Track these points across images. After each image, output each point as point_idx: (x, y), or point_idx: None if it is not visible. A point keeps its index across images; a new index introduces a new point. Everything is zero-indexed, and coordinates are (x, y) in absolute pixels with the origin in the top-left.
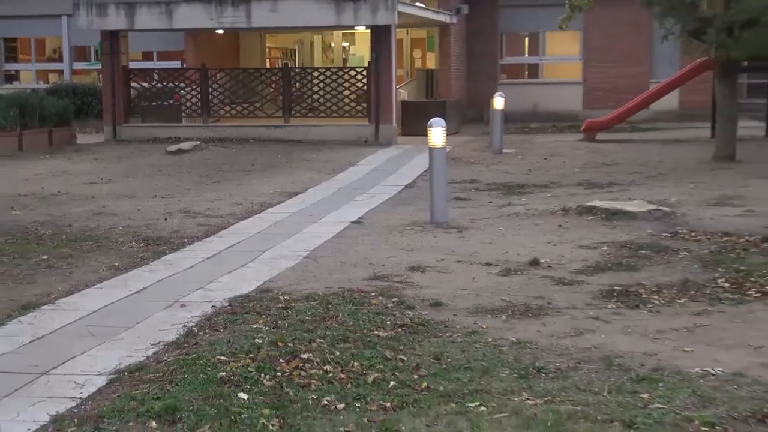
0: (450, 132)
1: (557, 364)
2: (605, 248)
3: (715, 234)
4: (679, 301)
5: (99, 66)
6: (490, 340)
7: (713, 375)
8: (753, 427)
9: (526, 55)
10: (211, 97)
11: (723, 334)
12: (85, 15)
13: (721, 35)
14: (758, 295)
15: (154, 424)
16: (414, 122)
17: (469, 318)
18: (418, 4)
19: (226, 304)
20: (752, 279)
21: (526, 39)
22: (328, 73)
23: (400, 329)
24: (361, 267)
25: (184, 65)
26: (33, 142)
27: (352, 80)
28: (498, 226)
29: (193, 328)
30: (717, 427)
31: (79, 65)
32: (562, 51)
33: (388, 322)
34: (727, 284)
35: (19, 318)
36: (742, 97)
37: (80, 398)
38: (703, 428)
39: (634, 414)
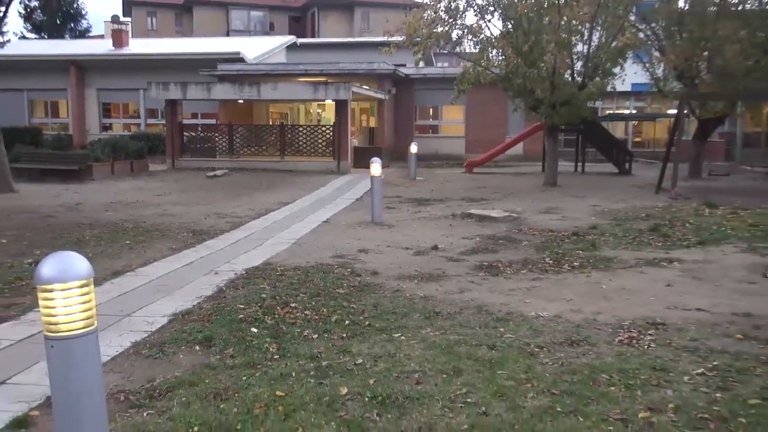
0: (383, 166)
1: (448, 310)
2: (478, 239)
3: (544, 230)
4: (522, 271)
5: (163, 121)
6: (407, 295)
7: (542, 317)
8: (565, 348)
9: (431, 120)
10: (234, 141)
11: (548, 292)
12: (155, 89)
13: (548, 110)
14: (569, 268)
15: (197, 347)
16: (361, 160)
17: (395, 281)
18: (364, 87)
19: (243, 272)
20: (566, 258)
21: (431, 109)
22: (308, 129)
23: (352, 288)
24: (328, 249)
25: (217, 122)
26: (120, 169)
27: (324, 133)
28: (413, 224)
29: (222, 287)
30: (544, 348)
31: (150, 121)
32: (453, 117)
33: (345, 284)
34: (551, 261)
35: (111, 280)
36: (560, 147)
37: (150, 331)
38: (536, 349)
39: (494, 341)
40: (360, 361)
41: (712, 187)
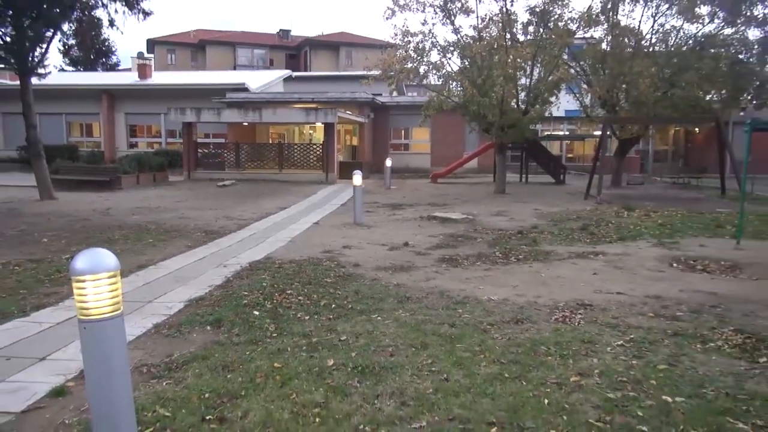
0: (364, 177)
1: (417, 295)
2: (441, 237)
3: (495, 230)
4: (477, 263)
5: (181, 140)
6: (383, 283)
7: (493, 300)
8: (511, 325)
9: (403, 139)
10: (240, 157)
11: (498, 280)
12: (174, 114)
13: (498, 131)
14: (515, 260)
15: (209, 327)
16: (346, 172)
17: (373, 272)
18: (348, 112)
19: (247, 265)
20: (512, 252)
21: (403, 131)
22: (302, 146)
23: (337, 278)
24: (318, 246)
25: (226, 140)
26: (144, 180)
27: (315, 150)
28: (388, 225)
29: (230, 278)
30: (494, 326)
31: (170, 140)
32: (420, 137)
33: (332, 274)
34: (500, 255)
35: (136, 273)
36: (508, 161)
37: (169, 314)
38: (488, 326)
39: (454, 320)
40: (344, 337)
41: (630, 194)
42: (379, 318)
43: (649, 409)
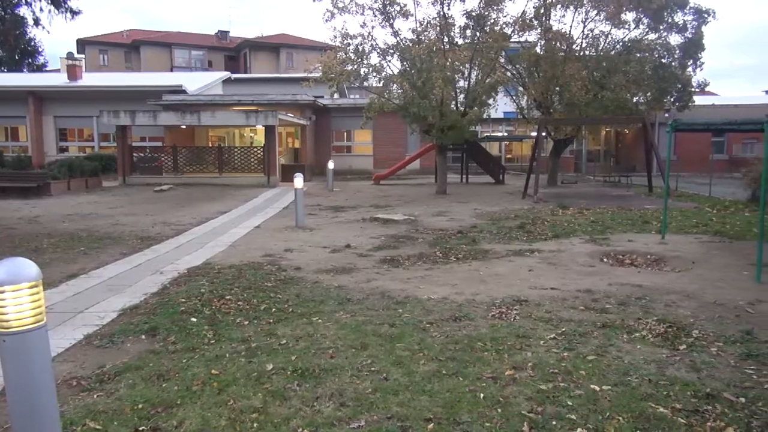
0: (306, 180)
1: (358, 297)
2: (383, 238)
3: (436, 230)
4: (418, 263)
5: (115, 144)
6: (324, 285)
7: (432, 299)
8: (450, 323)
9: (345, 141)
10: (178, 161)
11: (438, 279)
12: (107, 116)
13: (438, 133)
14: (455, 259)
15: (143, 336)
16: (288, 175)
17: (314, 275)
18: (289, 115)
19: (185, 271)
20: (452, 251)
21: (345, 133)
22: (242, 149)
23: (278, 282)
24: (259, 250)
25: (163, 144)
26: (76, 186)
27: (256, 153)
28: (330, 227)
29: (167, 284)
30: (433, 324)
31: (103, 143)
32: (363, 139)
33: (272, 278)
34: (440, 254)
35: (66, 282)
36: (449, 162)
37: (101, 324)
38: (427, 325)
39: (394, 320)
40: (284, 341)
41: (565, 192)
42: (319, 320)
43: (578, 398)
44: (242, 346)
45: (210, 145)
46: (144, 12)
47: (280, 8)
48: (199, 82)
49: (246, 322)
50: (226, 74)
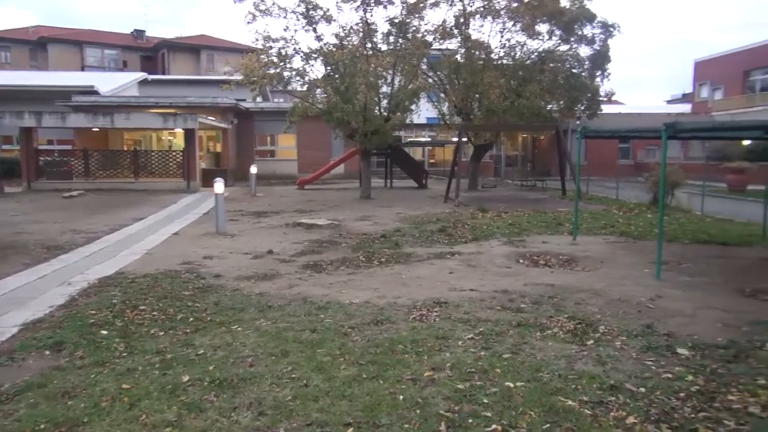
0: (228, 185)
1: (279, 303)
2: (306, 243)
3: (359, 234)
4: (341, 268)
5: (19, 147)
6: (245, 293)
7: (355, 303)
8: (371, 327)
9: (269, 145)
10: (90, 165)
11: (361, 284)
12: (9, 118)
13: (362, 137)
14: (378, 263)
15: (47, 352)
16: (209, 180)
17: (235, 282)
18: (210, 118)
19: (96, 281)
20: (375, 255)
21: (269, 137)
22: (160, 153)
23: (196, 290)
24: (177, 257)
25: (74, 147)
26: None
27: (175, 157)
28: (252, 233)
29: (75, 296)
30: (355, 329)
31: (6, 146)
32: (287, 143)
33: (190, 286)
34: (363, 259)
35: None
36: (373, 167)
37: (0, 341)
38: (349, 329)
39: (316, 325)
40: (201, 351)
41: (484, 196)
42: (239, 329)
43: (493, 396)
44: (156, 358)
45: (125, 149)
46: (48, 9)
47: (200, 8)
48: (112, 82)
49: (161, 333)
50: (142, 75)
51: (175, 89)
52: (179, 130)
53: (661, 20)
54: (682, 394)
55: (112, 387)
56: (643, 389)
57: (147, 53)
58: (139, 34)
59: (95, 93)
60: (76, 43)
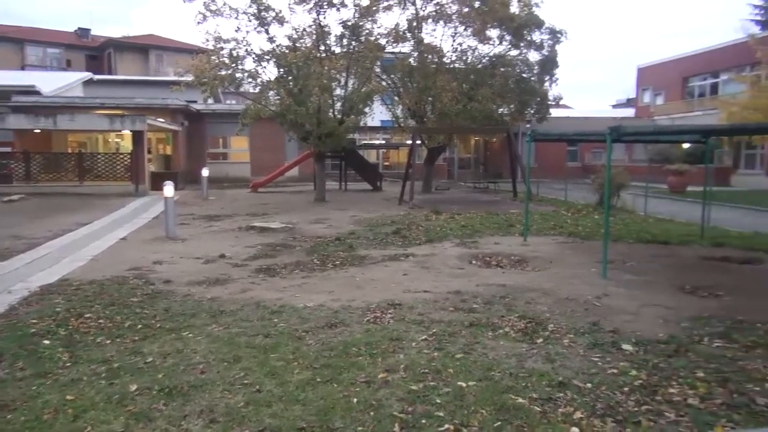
0: (179, 188)
1: (232, 308)
2: (260, 247)
3: (314, 237)
4: (295, 271)
5: None
6: (196, 298)
7: (309, 307)
8: (326, 330)
9: (221, 148)
10: (32, 168)
11: (315, 287)
12: None
13: (316, 140)
14: (332, 266)
15: None
16: (159, 183)
17: (186, 287)
18: (159, 120)
19: (38, 289)
20: (330, 258)
21: (221, 139)
22: (107, 156)
23: (145, 296)
24: (125, 263)
25: (13, 150)
26: None
27: (122, 160)
28: (204, 237)
29: (15, 305)
30: (309, 332)
31: None
32: (239, 146)
33: (139, 293)
34: (318, 262)
35: None
36: (328, 169)
37: None
38: (303, 333)
39: (269, 330)
40: (150, 359)
41: (438, 198)
42: (190, 335)
43: (446, 396)
44: (103, 367)
45: (70, 152)
46: None
47: (148, 7)
48: (55, 82)
49: (108, 342)
50: (87, 75)
51: (122, 90)
52: (127, 132)
53: (607, 28)
54: (626, 389)
55: (56, 399)
56: (589, 385)
57: (92, 52)
58: (83, 32)
59: (37, 93)
60: (16, 41)
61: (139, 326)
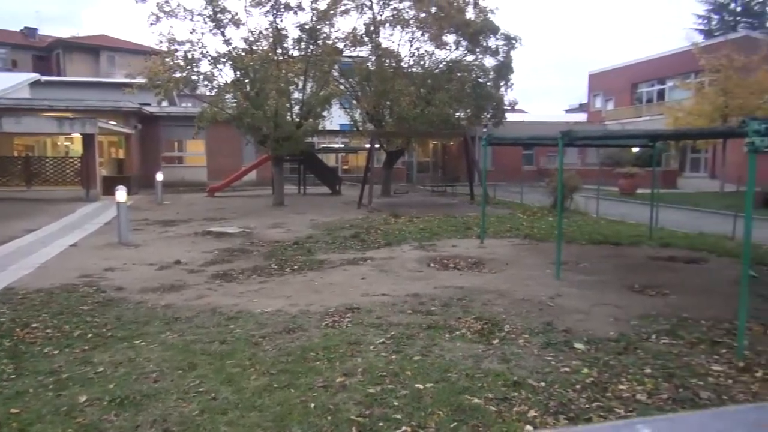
0: (132, 193)
1: (187, 315)
2: (216, 252)
3: (272, 241)
4: (252, 276)
5: None
6: (149, 305)
7: (266, 312)
8: (283, 335)
9: (176, 152)
10: None
11: (272, 292)
12: None
13: (274, 144)
14: (291, 271)
15: None
16: (111, 188)
17: (139, 295)
18: (111, 122)
19: None
20: (288, 263)
21: (176, 142)
22: (56, 160)
23: (96, 304)
24: (75, 270)
25: None
26: None
27: (72, 164)
28: (158, 243)
29: None
30: (266, 338)
31: None
32: (195, 149)
33: (89, 301)
34: (276, 266)
35: None
36: (286, 173)
37: None
38: (260, 339)
39: (225, 336)
40: (101, 369)
41: (397, 202)
42: (143, 343)
43: (403, 398)
44: (50, 378)
45: (16, 155)
46: None
47: (99, 7)
48: (0, 83)
49: (56, 352)
50: (34, 76)
51: (71, 92)
52: (77, 135)
53: (560, 35)
54: (578, 386)
55: None
56: (543, 383)
57: (40, 53)
58: (30, 32)
59: None
60: None
61: (90, 335)
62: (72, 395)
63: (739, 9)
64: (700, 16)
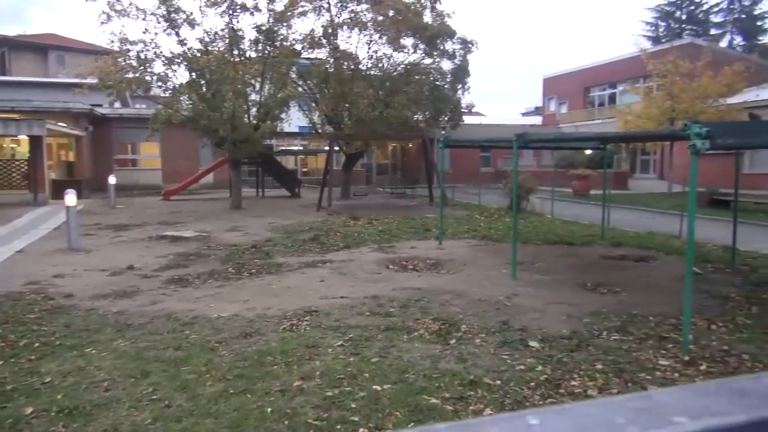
0: (83, 197)
1: (140, 321)
2: (171, 256)
3: (229, 245)
4: (209, 281)
5: None
6: (101, 312)
7: (223, 317)
8: (240, 340)
9: (130, 154)
10: None
11: (230, 296)
12: None
13: (231, 146)
14: (248, 275)
15: None
16: (61, 191)
17: (89, 301)
18: (60, 124)
19: None
20: (245, 267)
21: (129, 145)
22: (2, 163)
23: (44, 312)
24: (22, 277)
25: None
26: None
27: (18, 167)
28: (111, 248)
29: None
30: (222, 343)
31: None
32: (150, 152)
33: (36, 309)
34: (233, 270)
35: None
36: (244, 176)
37: None
38: (216, 344)
39: (180, 342)
40: (48, 379)
41: (356, 204)
42: (93, 351)
43: (361, 400)
44: None
45: None
46: None
47: (47, 5)
48: None
49: (0, 363)
50: None
51: (18, 92)
52: (23, 137)
53: (516, 39)
54: (532, 384)
55: None
56: (499, 382)
57: None
58: None
59: None
60: None
61: (36, 344)
62: (17, 407)
63: (684, 17)
64: (647, 23)
